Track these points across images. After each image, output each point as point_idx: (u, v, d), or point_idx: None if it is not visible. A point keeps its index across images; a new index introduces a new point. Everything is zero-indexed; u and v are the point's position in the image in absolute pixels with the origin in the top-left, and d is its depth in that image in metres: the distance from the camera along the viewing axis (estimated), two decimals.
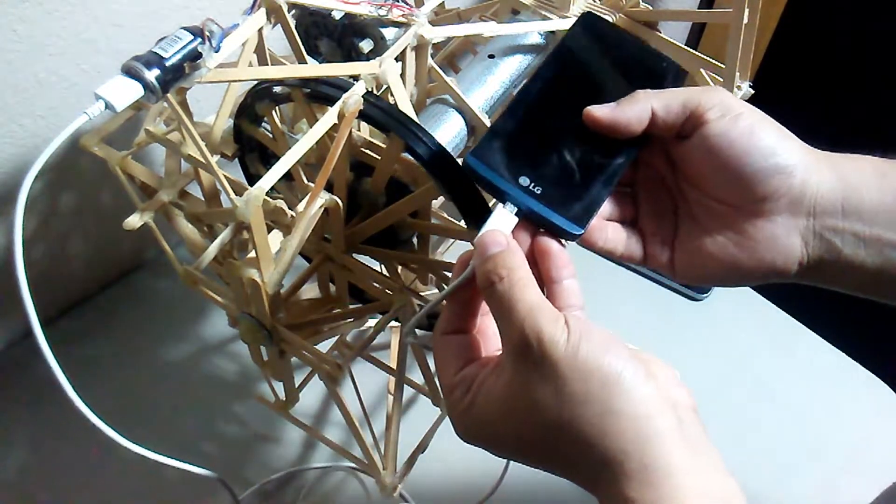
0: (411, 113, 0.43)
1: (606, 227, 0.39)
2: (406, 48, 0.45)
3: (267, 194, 0.38)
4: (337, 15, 0.47)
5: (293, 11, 0.46)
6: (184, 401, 0.66)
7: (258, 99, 0.45)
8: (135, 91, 0.33)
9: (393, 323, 0.62)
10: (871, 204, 0.36)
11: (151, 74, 0.33)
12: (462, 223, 0.44)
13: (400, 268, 0.52)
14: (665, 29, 0.57)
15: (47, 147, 0.33)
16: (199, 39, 0.35)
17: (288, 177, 0.41)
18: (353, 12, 0.45)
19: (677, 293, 0.78)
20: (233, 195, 0.38)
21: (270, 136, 0.47)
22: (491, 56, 0.52)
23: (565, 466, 0.32)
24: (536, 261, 0.36)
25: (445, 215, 0.49)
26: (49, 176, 0.60)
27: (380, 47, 0.47)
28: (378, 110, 0.40)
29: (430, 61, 0.47)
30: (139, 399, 0.65)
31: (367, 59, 0.45)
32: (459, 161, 0.39)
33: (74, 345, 0.68)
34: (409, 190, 0.44)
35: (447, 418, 0.36)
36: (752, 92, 0.57)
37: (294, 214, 0.41)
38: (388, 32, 0.46)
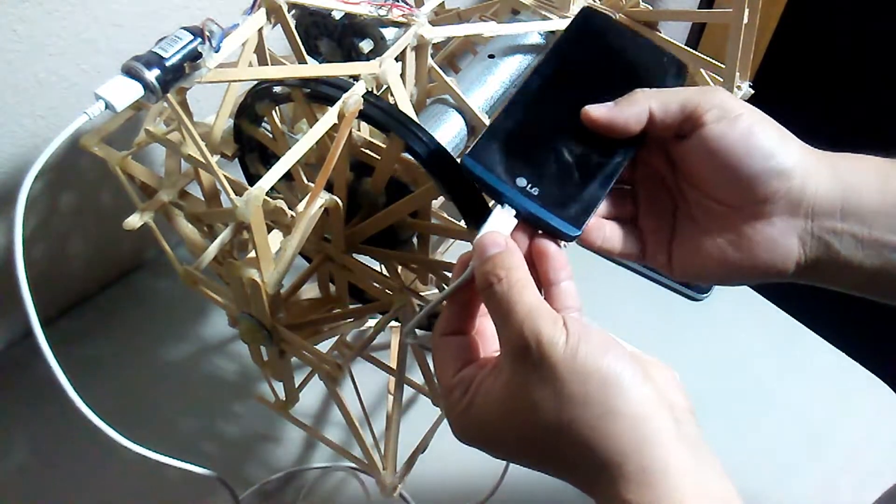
0: (411, 113, 0.43)
1: (604, 225, 0.39)
2: (406, 48, 0.45)
3: (267, 194, 0.38)
4: (337, 15, 0.47)
5: (293, 11, 0.46)
6: (184, 401, 0.66)
7: (258, 99, 0.45)
8: (135, 91, 0.33)
9: (393, 323, 0.62)
10: (871, 206, 0.36)
11: (151, 74, 0.33)
12: (462, 223, 0.44)
13: (400, 268, 0.52)
14: (665, 29, 0.57)
15: (47, 147, 0.33)
16: (199, 39, 0.35)
17: (288, 177, 0.41)
18: (353, 12, 0.45)
19: (677, 293, 0.78)
20: (233, 195, 0.38)
21: (270, 136, 0.47)
22: (491, 56, 0.52)
23: (563, 468, 0.32)
24: (534, 262, 0.35)
25: (445, 215, 0.49)
26: (49, 176, 0.60)
27: (380, 47, 0.47)
28: (378, 110, 0.40)
29: (430, 61, 0.47)
30: (139, 399, 0.65)
31: (367, 59, 0.45)
32: (459, 161, 0.39)
33: (74, 345, 0.68)
34: (409, 190, 0.44)
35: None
36: (752, 92, 0.57)
37: (294, 214, 0.41)
38: (388, 32, 0.46)
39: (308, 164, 0.47)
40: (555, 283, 0.35)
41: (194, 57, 0.34)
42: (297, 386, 0.52)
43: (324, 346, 0.48)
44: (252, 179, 0.52)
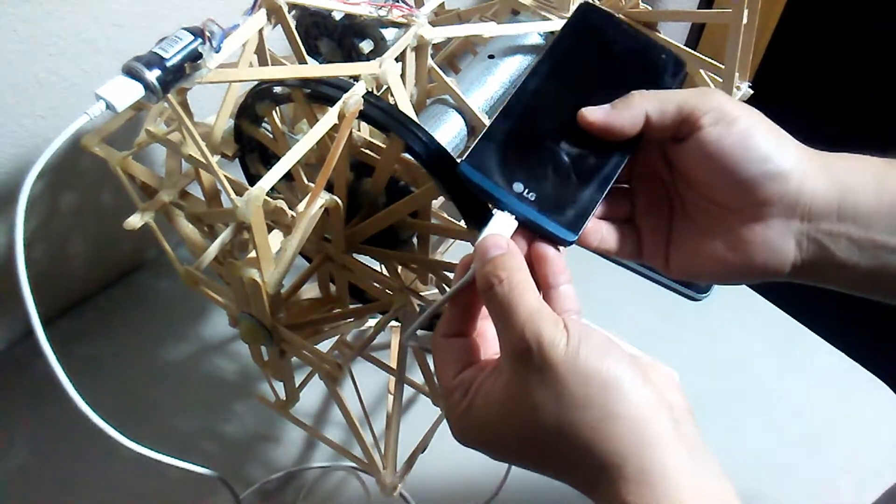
0: (411, 113, 0.43)
1: (601, 226, 0.39)
2: (406, 48, 0.45)
3: (267, 194, 0.38)
4: (337, 15, 0.47)
5: (293, 12, 0.46)
6: (184, 400, 0.66)
7: (258, 99, 0.45)
8: (135, 91, 0.33)
9: (393, 323, 0.62)
10: (868, 208, 0.36)
11: (152, 75, 0.33)
12: (462, 223, 0.44)
13: (400, 268, 0.52)
14: (665, 29, 0.57)
15: (48, 147, 0.33)
16: (200, 40, 0.35)
17: (288, 177, 0.41)
18: (353, 13, 0.45)
19: (677, 293, 0.78)
20: (233, 195, 0.38)
21: (271, 136, 0.47)
22: (491, 56, 0.52)
23: (562, 470, 0.32)
24: (533, 266, 0.35)
25: (445, 215, 0.49)
26: (50, 176, 0.60)
27: (380, 48, 0.47)
28: (378, 110, 0.40)
29: (430, 62, 0.47)
30: (139, 399, 0.65)
31: (368, 60, 0.45)
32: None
33: (75, 345, 0.68)
34: (410, 190, 0.44)
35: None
36: (752, 92, 0.57)
37: (294, 214, 0.41)
38: (388, 33, 0.46)
39: (308, 165, 0.47)
40: (554, 286, 0.35)
41: (195, 57, 0.35)
42: (297, 386, 0.52)
43: (324, 346, 0.48)
44: (252, 180, 0.52)
